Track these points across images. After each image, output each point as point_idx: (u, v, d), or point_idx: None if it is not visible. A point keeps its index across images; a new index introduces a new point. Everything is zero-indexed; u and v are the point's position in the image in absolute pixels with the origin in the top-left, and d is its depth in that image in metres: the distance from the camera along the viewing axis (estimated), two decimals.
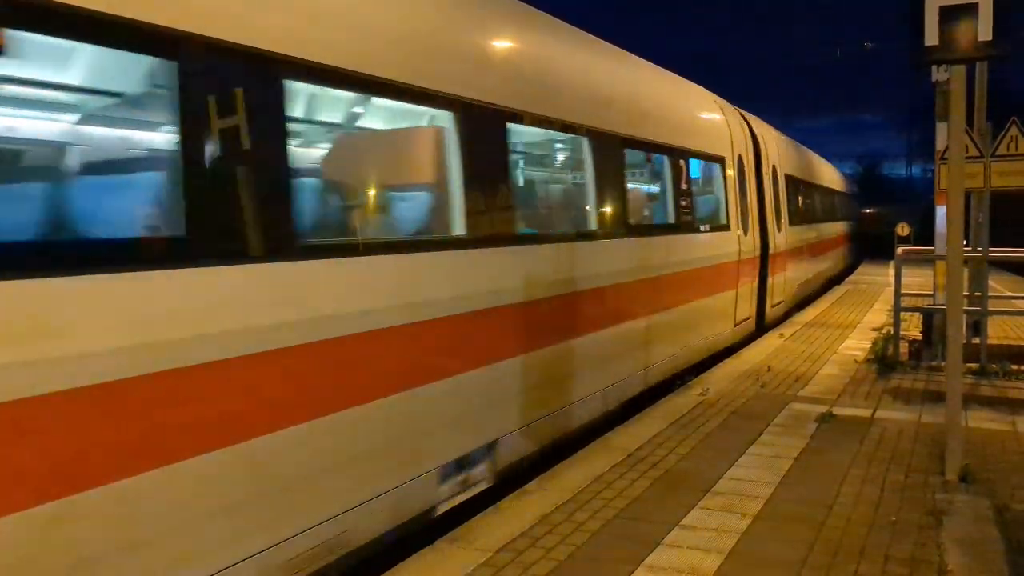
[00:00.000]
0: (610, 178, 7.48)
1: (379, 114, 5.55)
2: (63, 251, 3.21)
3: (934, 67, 9.84)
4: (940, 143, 10.14)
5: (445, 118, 5.30)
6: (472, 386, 5.40)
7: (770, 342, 12.09)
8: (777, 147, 15.27)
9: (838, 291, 20.32)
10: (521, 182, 7.40)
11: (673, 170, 9.21)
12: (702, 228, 10.20)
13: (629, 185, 8.03)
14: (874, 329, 13.15)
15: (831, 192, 25.11)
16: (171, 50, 3.46)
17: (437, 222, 5.40)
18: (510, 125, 5.86)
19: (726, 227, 11.01)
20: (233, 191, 3.70)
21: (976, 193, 10.31)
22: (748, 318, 12.05)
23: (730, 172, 11.29)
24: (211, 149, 3.60)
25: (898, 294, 10.61)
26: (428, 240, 5.24)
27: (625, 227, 7.73)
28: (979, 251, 10.34)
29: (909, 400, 8.40)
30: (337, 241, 4.66)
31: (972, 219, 10.80)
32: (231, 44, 3.71)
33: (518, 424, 5.98)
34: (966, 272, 10.42)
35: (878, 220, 41.15)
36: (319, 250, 4.27)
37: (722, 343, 11.00)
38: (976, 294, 10.38)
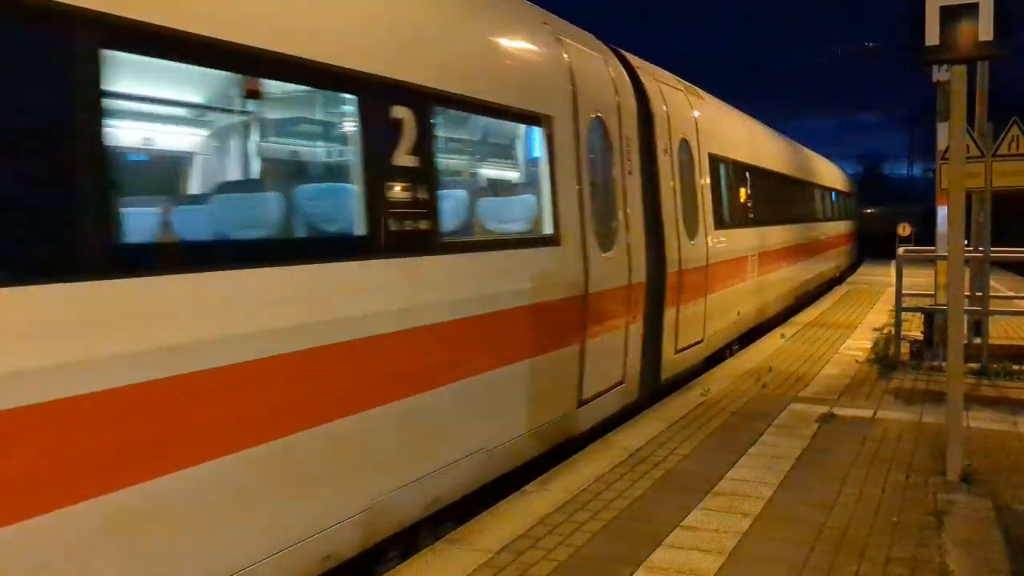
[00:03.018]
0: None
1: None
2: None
3: (935, 67, 9.84)
4: (941, 143, 10.14)
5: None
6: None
7: (771, 342, 12.08)
8: (695, 115, 10.39)
9: (839, 291, 20.31)
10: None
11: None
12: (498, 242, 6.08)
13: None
14: (875, 329, 13.14)
15: (814, 187, 20.92)
16: None
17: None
18: None
19: (549, 239, 6.44)
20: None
21: (977, 193, 10.30)
22: (617, 385, 7.53)
23: (561, 141, 6.63)
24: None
25: (899, 294, 10.60)
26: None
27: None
28: (980, 251, 10.33)
29: (910, 400, 8.39)
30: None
31: (973, 219, 10.80)
32: None
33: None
34: (967, 272, 10.42)
35: (879, 220, 41.08)
36: None
37: (549, 441, 6.49)
38: (977, 294, 10.37)
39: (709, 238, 10.28)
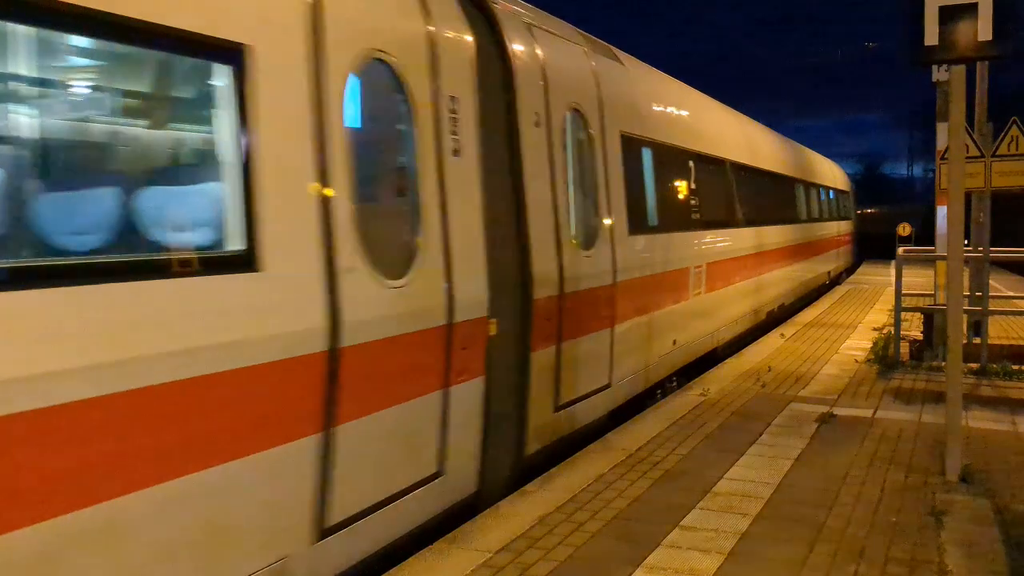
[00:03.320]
0: None
1: None
2: None
3: (934, 67, 9.84)
4: (941, 143, 10.15)
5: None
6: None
7: (771, 342, 12.08)
8: (600, 81, 7.55)
9: (839, 291, 20.31)
10: None
11: None
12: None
13: None
14: (875, 329, 13.13)
15: (797, 183, 17.76)
16: None
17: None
18: None
19: (230, 261, 3.69)
20: None
21: (977, 193, 10.31)
22: (428, 480, 4.96)
23: (269, 92, 3.81)
24: None
25: (899, 294, 10.60)
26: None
27: None
28: (980, 251, 10.33)
29: (910, 400, 8.39)
30: None
31: (973, 219, 10.81)
32: None
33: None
34: (967, 272, 10.43)
35: (879, 220, 41.04)
36: None
37: None
38: (977, 294, 10.38)
39: (619, 247, 7.54)
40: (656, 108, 9.51)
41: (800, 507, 5.36)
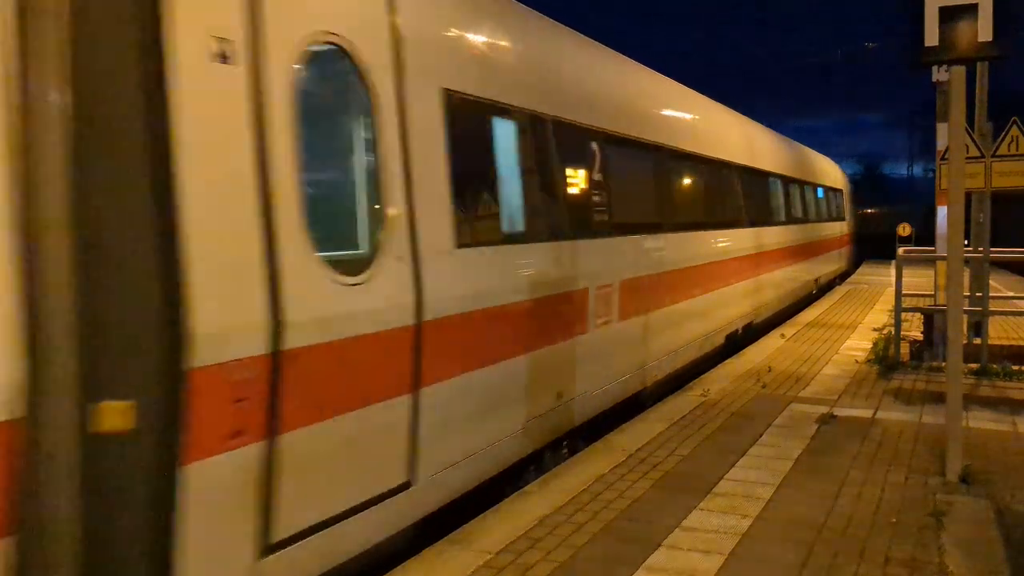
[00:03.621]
0: None
1: None
2: None
3: (935, 67, 9.85)
4: (941, 143, 10.17)
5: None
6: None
7: (771, 343, 12.08)
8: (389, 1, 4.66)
9: (839, 291, 20.30)
10: None
11: None
12: None
13: None
14: (875, 329, 13.14)
15: (770, 177, 14.82)
16: None
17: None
18: None
19: None
20: None
21: (977, 193, 10.31)
22: None
23: None
24: None
25: (899, 294, 10.60)
26: None
27: None
28: (980, 251, 10.34)
29: (910, 401, 8.39)
30: None
31: (973, 219, 10.82)
32: None
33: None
34: (967, 272, 10.44)
35: (879, 220, 40.99)
36: None
37: None
38: (977, 294, 10.38)
39: (432, 267, 4.87)
40: (532, 63, 6.68)
41: (801, 508, 5.36)
